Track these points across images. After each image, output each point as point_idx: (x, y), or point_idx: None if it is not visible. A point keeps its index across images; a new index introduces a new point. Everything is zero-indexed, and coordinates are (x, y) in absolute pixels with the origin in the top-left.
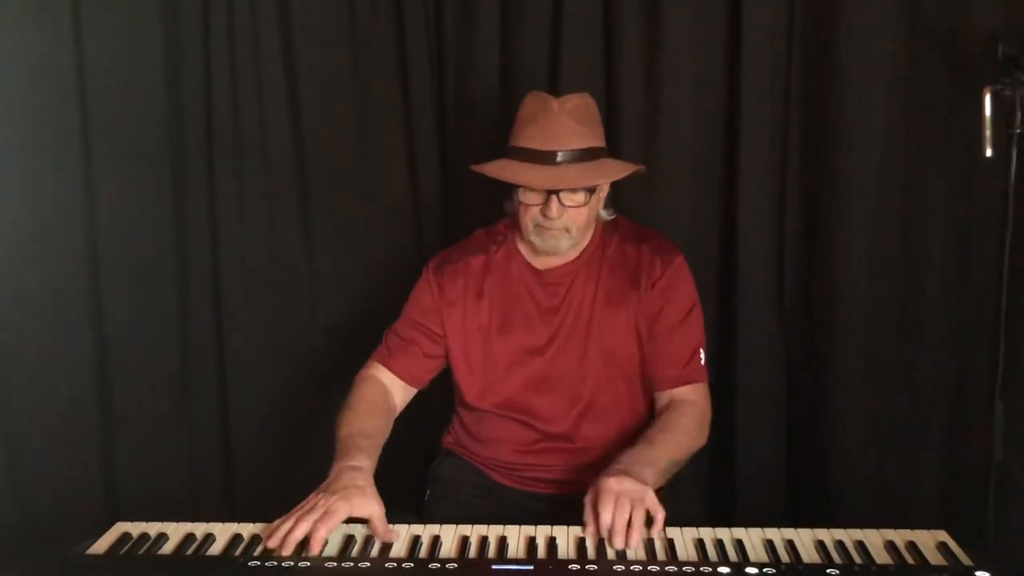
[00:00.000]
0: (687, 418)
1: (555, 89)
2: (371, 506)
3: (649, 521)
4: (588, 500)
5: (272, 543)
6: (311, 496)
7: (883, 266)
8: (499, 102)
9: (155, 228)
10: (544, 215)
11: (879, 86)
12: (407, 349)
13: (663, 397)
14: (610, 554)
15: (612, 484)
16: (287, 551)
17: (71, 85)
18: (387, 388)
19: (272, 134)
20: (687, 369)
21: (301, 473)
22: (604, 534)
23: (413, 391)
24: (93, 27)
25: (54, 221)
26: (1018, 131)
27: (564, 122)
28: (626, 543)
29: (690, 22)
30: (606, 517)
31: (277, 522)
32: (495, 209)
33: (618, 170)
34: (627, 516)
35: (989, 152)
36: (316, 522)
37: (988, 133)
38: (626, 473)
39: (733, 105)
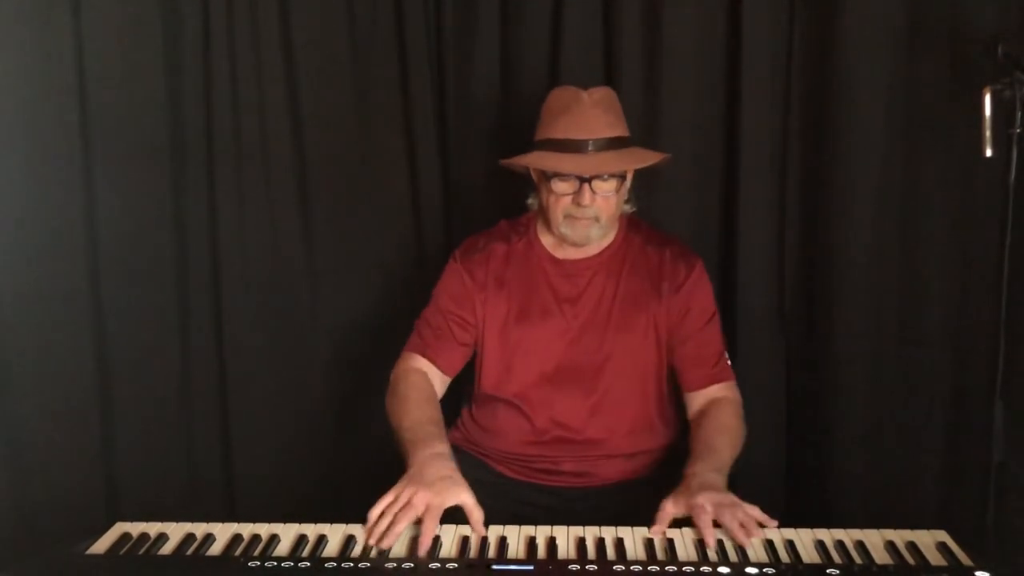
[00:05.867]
0: (732, 417)
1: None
2: (462, 495)
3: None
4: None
5: (372, 540)
6: (399, 486)
7: (883, 266)
8: (499, 102)
9: (155, 228)
10: (577, 203)
11: (879, 86)
12: (442, 338)
13: (699, 397)
14: (610, 554)
15: (711, 498)
16: (388, 543)
17: (71, 85)
18: (429, 377)
19: (272, 134)
20: (718, 368)
21: (301, 473)
22: (737, 533)
23: (448, 380)
24: (93, 27)
25: (54, 221)
26: (1018, 131)
27: (594, 112)
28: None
29: (690, 22)
30: (731, 523)
31: (373, 519)
32: (495, 208)
33: (648, 156)
34: (743, 516)
35: (989, 152)
36: (421, 522)
37: (988, 133)
38: (709, 485)
39: (733, 105)
